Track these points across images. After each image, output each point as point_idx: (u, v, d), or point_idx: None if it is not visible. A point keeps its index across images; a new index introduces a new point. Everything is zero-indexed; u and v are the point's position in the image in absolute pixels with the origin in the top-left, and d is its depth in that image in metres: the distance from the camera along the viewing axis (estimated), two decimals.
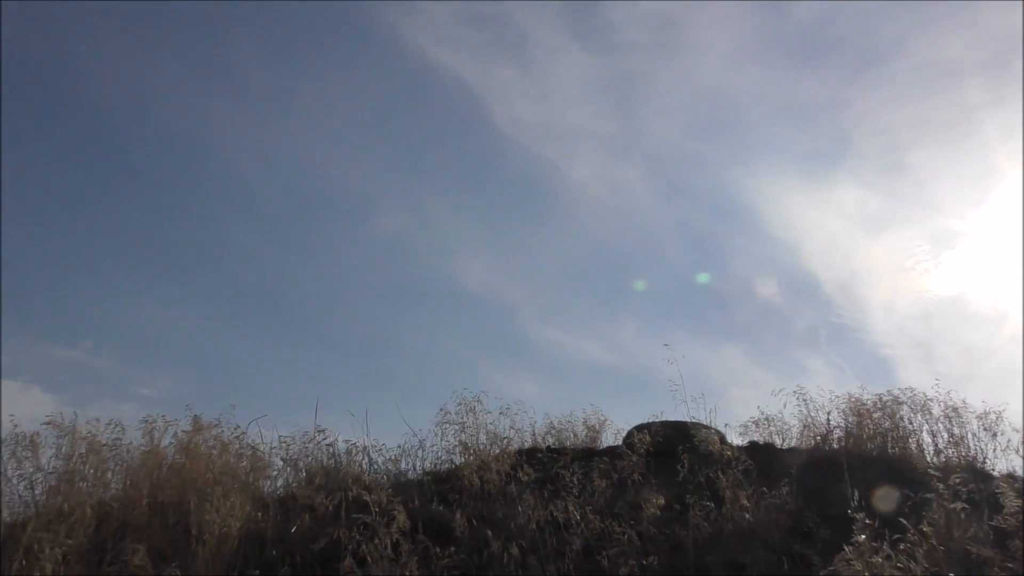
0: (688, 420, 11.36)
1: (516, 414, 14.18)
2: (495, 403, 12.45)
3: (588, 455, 10.94)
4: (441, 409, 11.81)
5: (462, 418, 11.66)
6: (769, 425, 14.02)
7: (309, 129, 29.31)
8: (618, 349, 29.37)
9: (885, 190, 29.24)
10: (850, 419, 12.72)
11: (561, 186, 30.87)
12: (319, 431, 11.27)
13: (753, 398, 24.77)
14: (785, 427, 13.80)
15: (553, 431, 14.46)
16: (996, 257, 24.87)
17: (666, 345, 11.99)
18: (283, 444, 10.68)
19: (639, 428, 11.14)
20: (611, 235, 31.85)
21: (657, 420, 11.45)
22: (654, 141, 31.54)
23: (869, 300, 28.31)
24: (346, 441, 11.37)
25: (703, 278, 28.79)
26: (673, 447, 10.23)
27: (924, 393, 12.41)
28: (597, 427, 14.57)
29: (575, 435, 14.49)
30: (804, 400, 13.57)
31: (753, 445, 11.25)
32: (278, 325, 28.55)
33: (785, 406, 13.93)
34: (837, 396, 12.67)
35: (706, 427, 11.15)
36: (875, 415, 12.27)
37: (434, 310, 30.27)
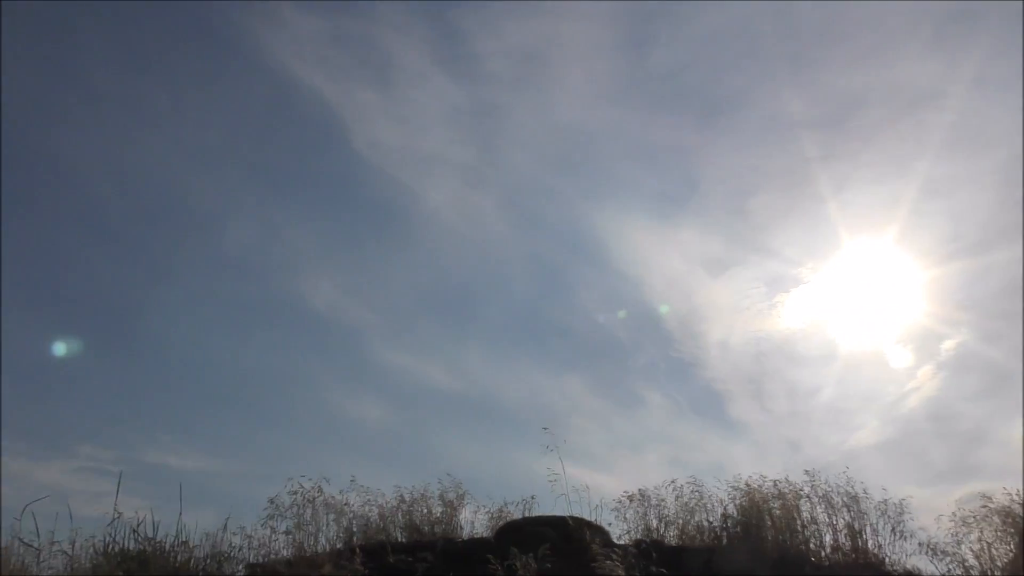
0: (566, 516, 9.66)
1: (363, 491, 12.55)
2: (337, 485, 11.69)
3: (449, 556, 9.13)
4: (271, 502, 9.91)
5: (298, 511, 9.80)
6: (646, 504, 12.72)
7: (160, 138, 27.46)
8: (464, 375, 28.94)
9: (727, 233, 29.27)
10: (744, 507, 11.48)
11: (416, 211, 30.59)
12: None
13: (593, 427, 25.83)
14: (662, 508, 12.61)
15: (404, 505, 12.68)
16: (825, 302, 25.43)
17: (545, 429, 10.49)
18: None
19: (511, 528, 9.34)
20: (463, 262, 31.01)
21: (531, 517, 9.72)
22: (510, 172, 31.36)
23: (706, 336, 28.56)
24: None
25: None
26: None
27: (823, 480, 11.31)
28: (455, 502, 12.83)
29: (430, 512, 12.70)
30: (694, 485, 12.41)
31: (643, 545, 9.63)
32: (116, 341, 26.23)
33: (673, 487, 12.80)
34: (728, 481, 11.71)
35: (588, 524, 9.45)
36: (773, 506, 11.04)
37: (280, 329, 28.65)
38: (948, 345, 23.84)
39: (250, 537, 10.33)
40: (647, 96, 30.35)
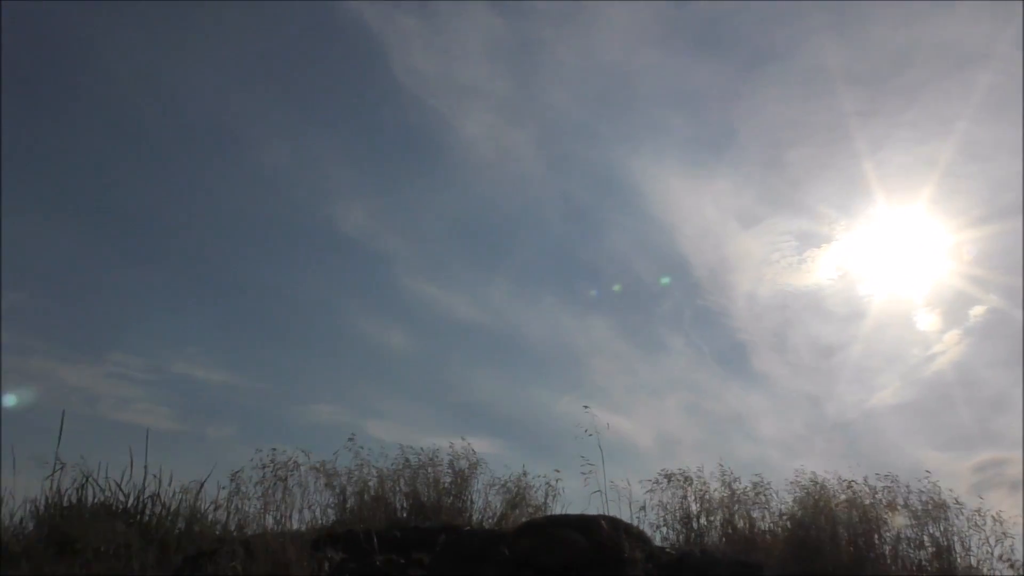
0: (599, 517, 7.79)
1: (361, 449, 10.82)
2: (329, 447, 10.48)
3: (451, 554, 7.31)
4: (233, 480, 8.20)
5: (266, 489, 8.07)
6: (687, 487, 10.89)
7: (198, 55, 27.17)
8: (490, 310, 28.85)
9: (761, 185, 28.68)
10: (806, 509, 9.58)
11: (451, 142, 30.02)
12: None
13: (614, 370, 26.70)
14: (704, 491, 10.80)
15: (409, 470, 10.90)
16: (855, 260, 24.96)
17: (586, 408, 8.76)
18: None
19: (531, 530, 7.48)
20: (495, 197, 30.09)
21: (555, 517, 7.86)
22: (548, 109, 30.03)
23: (734, 287, 28.33)
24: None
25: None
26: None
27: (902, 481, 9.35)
28: (467, 472, 11.03)
29: (437, 481, 10.91)
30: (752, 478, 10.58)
31: (686, 560, 7.75)
32: (146, 252, 25.98)
33: (721, 472, 10.96)
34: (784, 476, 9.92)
35: (625, 528, 7.57)
36: (839, 507, 9.12)
37: (310, 252, 28.10)
38: (977, 311, 23.49)
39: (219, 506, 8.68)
40: (689, 41, 29.35)
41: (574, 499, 10.37)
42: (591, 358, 27.81)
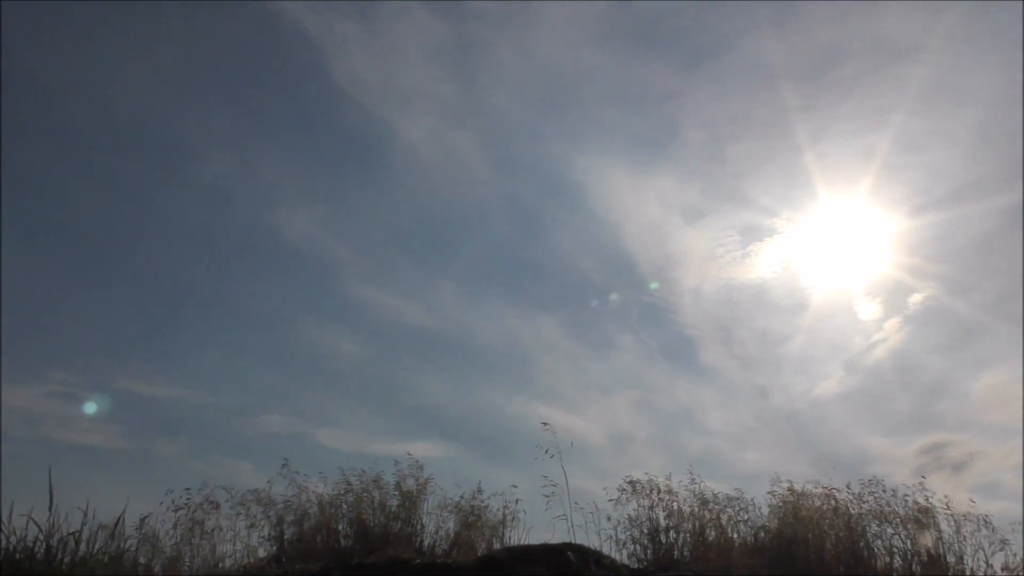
0: (564, 546, 6.91)
1: (296, 474, 9.82)
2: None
3: None
4: (141, 527, 7.15)
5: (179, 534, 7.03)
6: (653, 496, 10.08)
7: (137, 63, 25.68)
8: (439, 313, 28.10)
9: (704, 180, 28.23)
10: (786, 520, 8.81)
11: (395, 147, 29.14)
12: None
13: (564, 369, 26.13)
14: (671, 500, 10.02)
15: (352, 494, 9.90)
16: (798, 252, 25.10)
17: (545, 425, 7.94)
18: None
19: (489, 566, 6.54)
20: (440, 200, 29.75)
21: (516, 548, 6.94)
22: (491, 111, 30.03)
23: (680, 283, 27.92)
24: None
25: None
26: None
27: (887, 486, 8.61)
28: (414, 492, 10.07)
29: (383, 505, 9.93)
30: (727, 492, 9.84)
31: None
32: (84, 265, 24.53)
33: (690, 481, 10.18)
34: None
35: (595, 556, 6.69)
36: (822, 518, 8.35)
37: (254, 261, 27.00)
38: (916, 299, 24.03)
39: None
40: (630, 40, 29.20)
41: (534, 515, 9.60)
42: (541, 358, 27.48)
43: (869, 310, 24.49)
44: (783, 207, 24.96)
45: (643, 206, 28.76)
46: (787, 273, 25.74)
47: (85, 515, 7.66)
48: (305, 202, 28.26)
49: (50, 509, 7.49)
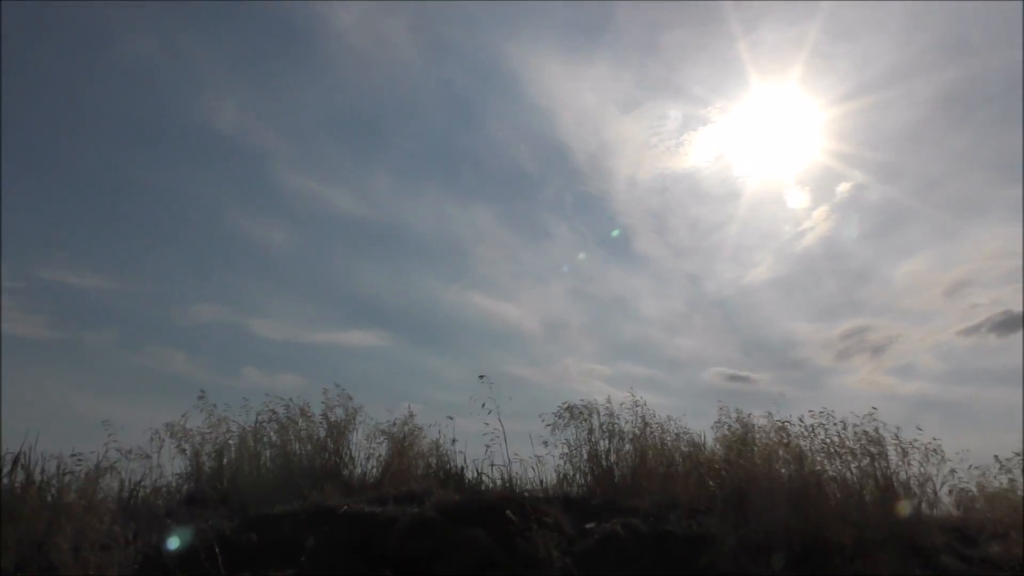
0: (502, 496, 6.32)
1: (214, 408, 9.05)
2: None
3: (325, 561, 5.74)
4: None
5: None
6: (592, 421, 9.62)
7: None
8: (372, 202, 28.90)
9: (638, 69, 28.71)
10: (733, 448, 8.38)
11: (324, 32, 27.72)
12: None
13: (499, 258, 27.68)
14: (613, 422, 9.59)
15: (276, 423, 9.18)
16: (731, 142, 25.88)
17: (482, 377, 7.45)
18: None
19: (420, 529, 5.88)
20: (371, 87, 29.07)
21: (451, 505, 6.28)
22: None
23: (614, 172, 29.24)
24: None
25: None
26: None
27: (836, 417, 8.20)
28: (343, 424, 9.40)
29: (310, 437, 9.24)
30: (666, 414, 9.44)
31: (610, 542, 6.36)
32: (6, 153, 22.96)
33: (633, 404, 9.73)
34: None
35: (536, 510, 6.08)
36: (771, 451, 7.93)
37: (181, 148, 26.65)
38: (844, 187, 25.20)
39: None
40: None
41: (468, 436, 9.40)
42: (476, 247, 28.72)
43: (799, 199, 25.65)
44: (717, 97, 25.61)
45: (578, 95, 28.28)
46: (720, 163, 26.79)
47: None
48: (233, 89, 26.89)
49: None
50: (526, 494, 6.88)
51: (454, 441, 9.39)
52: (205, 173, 26.60)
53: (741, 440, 8.49)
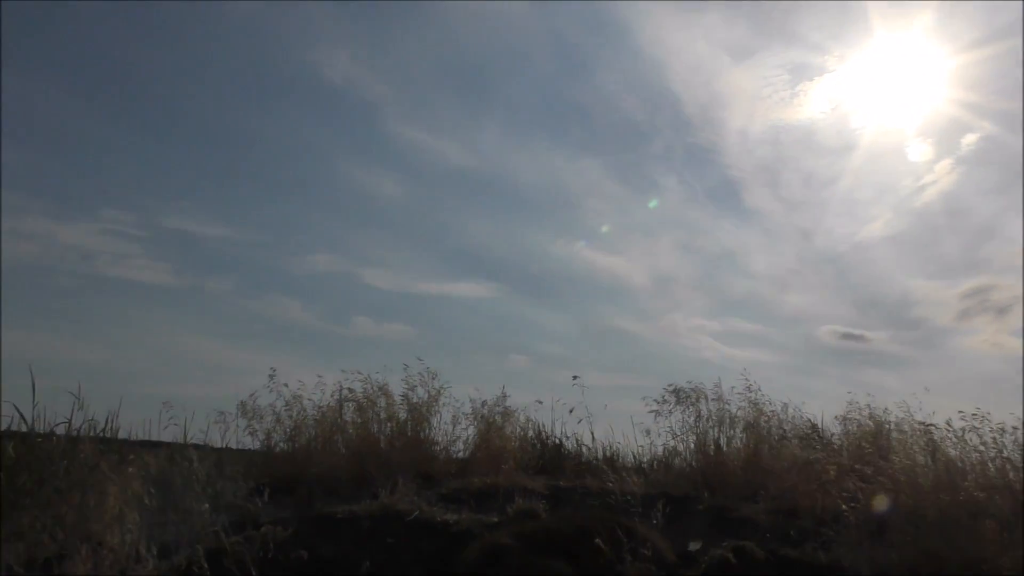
0: (594, 516, 5.33)
1: (285, 387, 8.39)
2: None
3: None
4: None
5: None
6: (700, 407, 8.56)
7: None
8: (480, 154, 27.25)
9: (753, 16, 25.78)
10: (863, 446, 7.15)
11: None
12: None
13: (607, 211, 26.59)
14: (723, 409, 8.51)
15: (350, 403, 8.44)
16: (849, 92, 23.49)
17: (575, 379, 6.61)
18: None
19: (495, 555, 4.93)
20: (481, 38, 27.04)
21: (529, 530, 5.32)
22: None
23: (725, 124, 26.80)
24: None
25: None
26: None
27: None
28: (425, 406, 8.59)
29: (392, 419, 8.47)
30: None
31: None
32: (132, 107, 24.20)
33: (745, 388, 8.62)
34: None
35: (631, 529, 5.08)
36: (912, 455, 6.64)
37: (294, 100, 26.13)
38: (969, 139, 22.62)
39: None
40: None
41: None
42: (584, 200, 27.26)
43: (920, 151, 23.36)
44: (835, 44, 23.25)
45: (689, 44, 26.66)
46: (836, 113, 24.38)
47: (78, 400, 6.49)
48: (343, 40, 26.64)
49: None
50: (623, 498, 5.85)
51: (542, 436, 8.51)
52: (318, 124, 26.20)
53: (872, 438, 7.27)
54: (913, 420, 6.94)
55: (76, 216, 22.90)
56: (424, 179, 26.58)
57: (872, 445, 7.13)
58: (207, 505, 6.02)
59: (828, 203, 25.54)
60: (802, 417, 8.45)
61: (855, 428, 7.60)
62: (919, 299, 25.58)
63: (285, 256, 24.75)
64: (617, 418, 9.15)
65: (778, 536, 6.11)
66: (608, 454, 10.70)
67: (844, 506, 5.71)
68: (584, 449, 10.46)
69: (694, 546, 5.67)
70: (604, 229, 25.01)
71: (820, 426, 8.50)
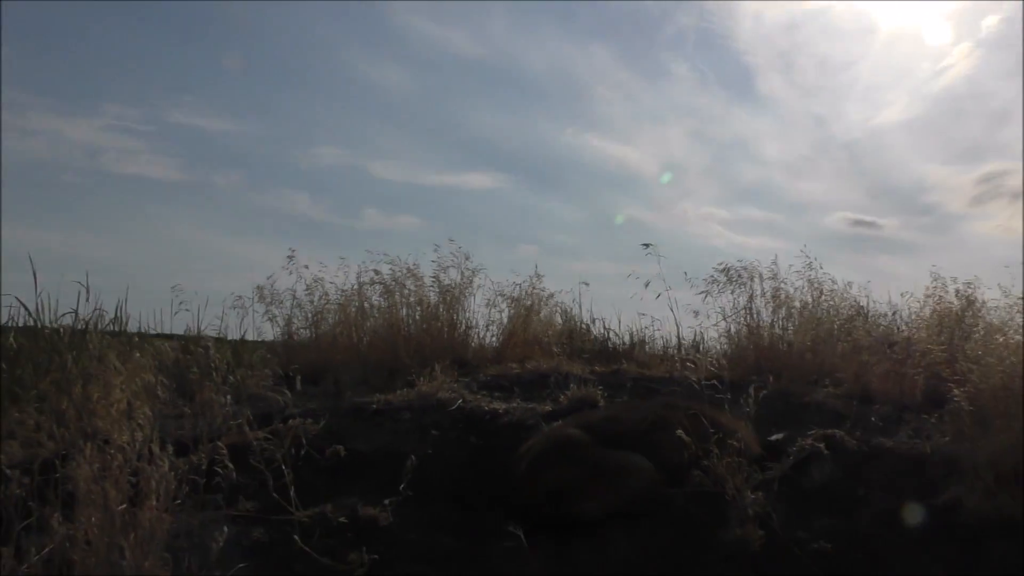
0: (668, 405, 4.62)
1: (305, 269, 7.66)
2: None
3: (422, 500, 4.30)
4: None
5: None
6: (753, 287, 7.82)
7: None
8: (487, 41, 26.09)
9: None
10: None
11: None
12: None
13: (617, 98, 25.61)
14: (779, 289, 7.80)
15: (375, 287, 7.70)
16: None
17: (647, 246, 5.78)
18: None
19: (560, 452, 4.21)
20: None
21: (590, 417, 4.58)
22: None
23: (740, 7, 25.29)
24: None
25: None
26: None
27: None
28: (457, 290, 7.84)
29: (420, 303, 7.73)
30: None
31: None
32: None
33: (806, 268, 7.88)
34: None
35: (715, 418, 4.36)
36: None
37: None
38: (989, 21, 22.43)
39: None
40: None
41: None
42: (594, 87, 26.28)
43: (939, 34, 23.01)
44: None
45: None
46: None
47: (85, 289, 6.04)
48: None
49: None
50: (690, 382, 5.13)
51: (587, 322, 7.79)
52: (324, 16, 25.07)
53: (957, 320, 6.52)
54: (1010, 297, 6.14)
55: (81, 112, 22.31)
56: (431, 70, 25.65)
57: (956, 325, 6.39)
58: (228, 397, 5.36)
59: (843, 89, 25.06)
60: (866, 297, 7.73)
61: (936, 305, 6.84)
62: (933, 185, 24.95)
63: (292, 150, 24.03)
64: (643, 306, 8.44)
65: (861, 424, 5.43)
66: (639, 338, 10.14)
67: (955, 390, 4.95)
68: (611, 334, 9.92)
69: (775, 436, 5.00)
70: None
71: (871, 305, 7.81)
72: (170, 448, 4.03)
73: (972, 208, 24.38)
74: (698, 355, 8.22)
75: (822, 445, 4.71)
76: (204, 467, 3.98)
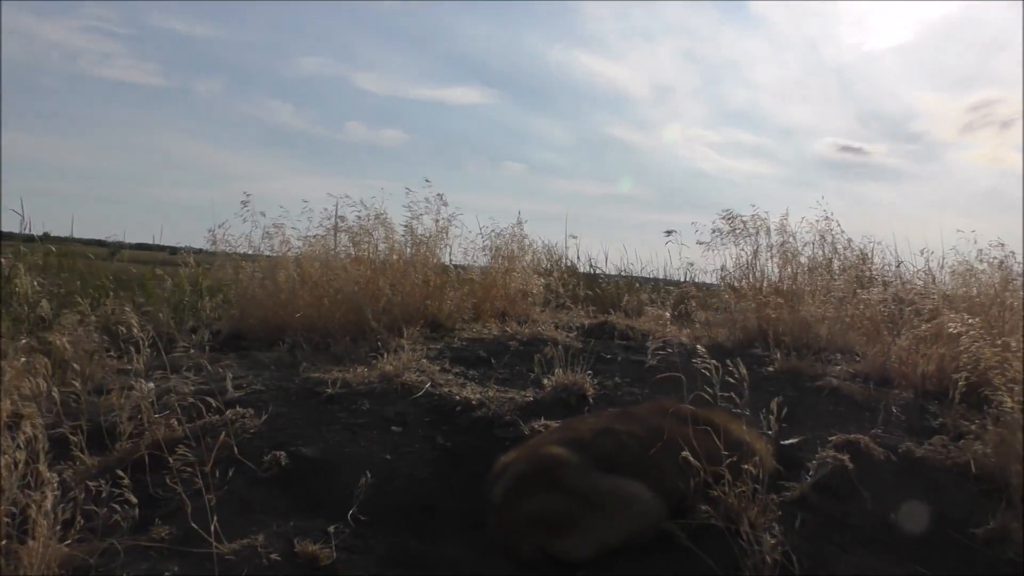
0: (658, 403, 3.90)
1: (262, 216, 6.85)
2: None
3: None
4: None
5: None
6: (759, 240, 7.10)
7: None
8: None
9: None
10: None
11: None
12: None
13: (607, 15, 22.20)
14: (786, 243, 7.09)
15: (342, 234, 6.88)
16: None
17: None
18: None
19: (552, 468, 3.51)
20: None
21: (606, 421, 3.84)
22: None
23: None
24: None
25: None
26: None
27: None
28: (431, 240, 7.03)
29: (375, 251, 6.90)
30: None
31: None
32: None
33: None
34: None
35: (724, 423, 3.68)
36: None
37: None
38: None
39: None
40: None
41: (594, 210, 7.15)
42: (584, 3, 23.81)
43: None
44: None
45: None
46: None
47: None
48: None
49: None
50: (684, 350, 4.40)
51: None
52: None
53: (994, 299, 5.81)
54: None
55: (58, 10, 20.71)
56: None
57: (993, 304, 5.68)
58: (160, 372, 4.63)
59: (837, 12, 23.48)
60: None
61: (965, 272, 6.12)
62: (922, 111, 24.03)
63: (275, 59, 22.58)
64: (623, 232, 7.66)
65: (882, 419, 4.75)
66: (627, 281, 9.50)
67: (998, 386, 4.23)
68: (600, 281, 9.29)
69: (791, 440, 4.31)
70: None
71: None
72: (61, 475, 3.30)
73: (961, 136, 23.59)
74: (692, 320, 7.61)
75: (846, 458, 4.01)
76: (107, 485, 3.26)
